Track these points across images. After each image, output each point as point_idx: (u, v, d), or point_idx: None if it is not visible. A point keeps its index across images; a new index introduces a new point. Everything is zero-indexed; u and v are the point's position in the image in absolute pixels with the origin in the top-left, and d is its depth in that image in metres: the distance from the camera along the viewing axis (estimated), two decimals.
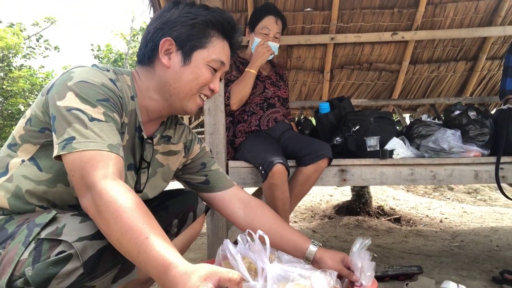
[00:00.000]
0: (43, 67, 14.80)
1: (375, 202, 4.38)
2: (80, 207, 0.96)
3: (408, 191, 6.03)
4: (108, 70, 0.96)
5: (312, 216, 3.88)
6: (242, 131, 2.22)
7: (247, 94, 2.16)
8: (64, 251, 0.78)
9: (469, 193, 6.02)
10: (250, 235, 1.01)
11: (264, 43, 2.15)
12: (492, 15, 3.19)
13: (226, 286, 0.65)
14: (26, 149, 0.94)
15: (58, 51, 16.78)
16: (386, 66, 3.51)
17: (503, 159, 2.01)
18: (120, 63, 17.70)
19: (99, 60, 18.36)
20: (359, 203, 4.01)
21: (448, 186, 6.20)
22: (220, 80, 1.11)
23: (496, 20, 3.17)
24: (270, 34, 2.19)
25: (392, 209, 4.31)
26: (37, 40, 14.71)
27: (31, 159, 0.93)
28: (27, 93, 12.42)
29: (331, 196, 5.37)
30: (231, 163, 2.09)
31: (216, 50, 1.04)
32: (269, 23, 2.18)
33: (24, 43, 13.65)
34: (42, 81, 13.26)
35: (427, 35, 3.22)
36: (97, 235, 0.80)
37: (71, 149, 0.80)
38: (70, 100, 0.85)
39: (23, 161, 0.93)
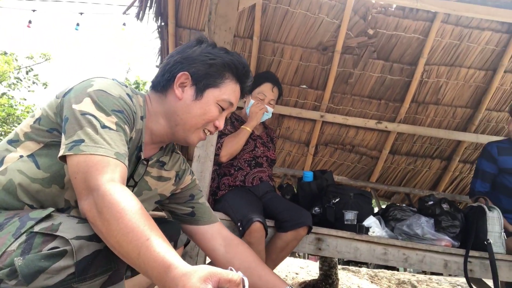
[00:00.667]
0: (25, 99, 14.70)
1: (341, 282, 4.29)
2: (67, 209, 0.96)
3: (372, 282, 5.95)
4: (126, 86, 1.02)
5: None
6: (226, 184, 2.24)
7: (238, 149, 2.23)
8: (58, 247, 0.76)
9: None
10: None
11: (258, 103, 2.28)
12: (467, 122, 3.49)
13: (226, 287, 0.65)
14: (27, 146, 0.95)
15: (45, 87, 16.84)
16: (367, 151, 3.70)
17: (472, 253, 2.09)
18: None
19: None
20: (325, 283, 3.92)
21: (412, 283, 6.16)
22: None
23: (470, 128, 3.46)
24: (265, 99, 2.33)
25: None
26: (27, 73, 14.79)
27: (31, 155, 0.93)
28: (0, 122, 12.17)
29: (297, 274, 5.24)
30: None
31: (228, 91, 1.10)
32: (266, 89, 2.33)
33: (12, 73, 13.70)
34: (20, 113, 13.07)
35: (408, 129, 3.46)
36: (94, 237, 0.79)
37: (78, 151, 0.82)
38: (86, 105, 0.88)
39: (21, 156, 0.93)
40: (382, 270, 7.01)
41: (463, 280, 5.63)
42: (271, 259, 1.96)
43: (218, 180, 2.28)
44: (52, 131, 0.94)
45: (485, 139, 3.35)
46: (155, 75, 1.14)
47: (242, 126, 2.23)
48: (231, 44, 2.24)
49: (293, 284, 4.16)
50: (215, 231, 1.24)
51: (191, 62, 1.07)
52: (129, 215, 0.74)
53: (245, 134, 2.23)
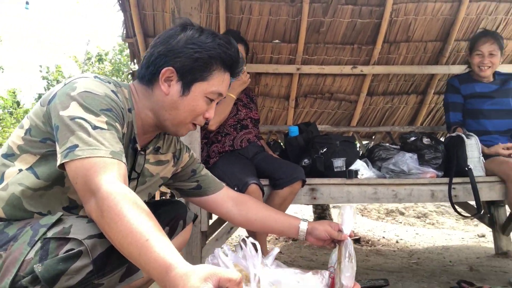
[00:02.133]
0: None
1: None
2: (74, 208, 0.98)
3: (362, 215, 6.28)
4: (109, 82, 0.98)
5: (276, 239, 3.95)
6: (216, 151, 2.29)
7: (226, 116, 2.26)
8: (73, 249, 0.79)
9: (418, 217, 6.37)
10: (243, 241, 1.06)
11: (244, 71, 2.28)
12: (438, 55, 3.56)
13: (226, 286, 0.66)
14: (25, 159, 0.94)
15: (1, 71, 15.99)
16: (345, 96, 3.76)
17: (455, 180, 2.24)
18: None
19: (48, 82, 17.64)
20: None
21: (399, 211, 6.53)
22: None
23: (441, 60, 3.55)
24: None
25: (351, 230, 4.49)
26: None
27: (29, 168, 0.93)
28: None
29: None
30: None
31: (216, 82, 1.05)
32: None
33: None
34: None
35: (383, 70, 3.52)
36: None
37: (73, 156, 0.82)
38: (74, 110, 0.87)
39: (20, 170, 0.93)
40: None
41: (443, 203, 6.03)
42: None
43: (207, 149, 2.32)
44: (45, 141, 0.93)
45: (456, 69, 3.45)
46: (140, 65, 1.09)
47: (229, 93, 2.23)
48: (198, 8, 2.19)
49: None
50: (224, 195, 1.30)
51: (176, 55, 1.01)
52: (128, 216, 0.74)
53: (231, 101, 2.25)
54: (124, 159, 0.87)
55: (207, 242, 2.22)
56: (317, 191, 2.21)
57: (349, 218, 1.21)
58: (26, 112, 14.83)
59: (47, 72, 17.77)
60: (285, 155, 2.63)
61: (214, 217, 2.93)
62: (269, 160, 2.26)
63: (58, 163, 0.84)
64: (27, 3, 6.26)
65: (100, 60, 17.69)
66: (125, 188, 0.80)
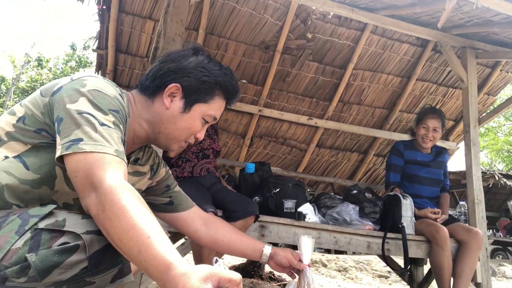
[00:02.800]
0: None
1: (267, 268, 4.59)
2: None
3: None
4: (116, 86, 1.00)
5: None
6: (174, 175, 2.29)
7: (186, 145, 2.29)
8: (69, 242, 0.77)
9: (339, 271, 6.63)
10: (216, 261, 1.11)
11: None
12: (383, 121, 3.97)
13: (226, 287, 0.65)
14: (12, 147, 0.91)
15: None
16: (297, 144, 4.00)
17: (389, 235, 2.46)
18: (3, 86, 16.09)
19: None
20: (253, 266, 4.18)
21: (322, 262, 6.77)
22: None
23: (385, 126, 3.95)
24: None
25: (279, 275, 4.58)
26: None
27: (17, 157, 0.90)
28: None
29: (222, 259, 5.44)
30: None
31: (215, 107, 1.11)
32: None
33: None
34: None
35: (334, 126, 3.83)
36: None
37: (77, 149, 0.80)
38: (82, 105, 0.86)
39: (6, 157, 0.90)
40: (295, 251, 7.57)
41: (364, 257, 6.38)
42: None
43: None
44: (40, 131, 0.91)
45: (397, 136, 3.86)
46: (144, 76, 1.13)
47: None
48: (182, 36, 2.29)
49: None
50: (194, 213, 1.31)
51: (185, 74, 1.06)
52: (131, 212, 0.73)
53: None
54: (125, 159, 0.87)
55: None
56: (267, 228, 2.31)
57: (308, 248, 1.28)
58: None
59: None
60: (238, 190, 2.70)
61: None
62: (225, 192, 2.32)
63: (58, 154, 0.82)
64: None
65: (40, 65, 16.83)
66: (128, 185, 0.80)
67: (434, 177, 2.81)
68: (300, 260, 1.25)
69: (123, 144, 1.06)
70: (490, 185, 7.59)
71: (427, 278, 3.08)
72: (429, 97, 3.87)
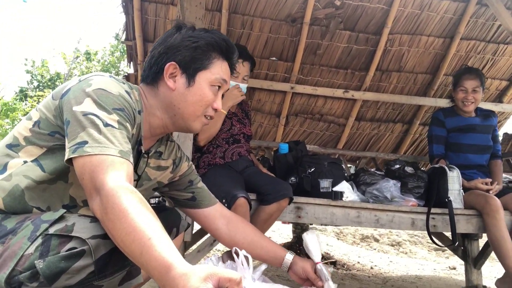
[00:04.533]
0: None
1: None
2: (73, 207, 0.98)
3: (338, 239, 6.34)
4: (123, 83, 1.00)
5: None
6: (206, 162, 2.29)
7: (215, 132, 2.25)
8: (76, 248, 0.78)
9: (392, 245, 6.47)
10: (236, 253, 1.08)
11: (237, 88, 2.27)
12: (427, 88, 3.70)
13: (226, 286, 0.66)
14: (30, 151, 0.93)
15: None
16: (334, 119, 3.85)
17: (435, 210, 2.31)
18: (57, 82, 16.98)
19: (32, 76, 17.40)
20: (299, 245, 4.16)
21: (374, 237, 6.63)
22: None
23: (429, 92, 3.68)
24: (239, 76, 2.34)
25: (327, 253, 4.53)
26: None
27: (35, 160, 0.93)
28: None
29: (269, 237, 5.49)
30: None
31: (218, 70, 1.09)
32: (244, 68, 2.31)
33: None
34: None
35: (373, 97, 3.63)
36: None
37: (82, 152, 0.82)
38: (87, 106, 0.88)
39: (25, 162, 0.93)
40: (347, 226, 7.47)
41: (418, 232, 6.15)
42: None
43: (197, 159, 2.33)
44: (53, 134, 0.93)
45: (443, 102, 3.59)
46: (142, 69, 1.13)
47: (222, 110, 2.23)
48: (202, 19, 2.23)
49: None
50: (216, 211, 1.30)
51: (175, 50, 1.06)
52: (132, 214, 0.74)
53: (221, 116, 2.23)
54: (131, 159, 0.88)
55: (189, 252, 2.22)
56: (302, 210, 2.25)
57: (314, 245, 1.23)
58: (5, 105, 14.50)
59: (32, 66, 17.52)
60: (272, 171, 2.65)
61: (196, 227, 2.93)
62: (258, 175, 2.28)
63: (66, 157, 0.84)
64: None
65: (88, 59, 17.57)
66: (130, 187, 0.80)
67: (482, 143, 2.59)
68: (311, 258, 1.22)
69: (139, 139, 1.06)
70: None
71: (483, 253, 2.91)
72: (477, 57, 3.54)
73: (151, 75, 1.08)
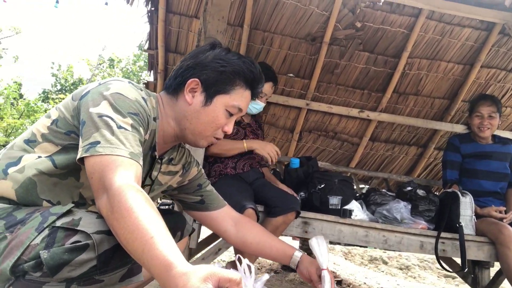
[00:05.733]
0: None
1: None
2: (83, 205, 1.00)
3: (346, 259, 6.24)
4: (141, 90, 1.04)
5: (258, 269, 3.93)
6: (217, 171, 2.33)
7: (227, 155, 2.28)
8: (80, 241, 0.80)
9: (401, 269, 6.32)
10: (239, 260, 1.09)
11: (277, 150, 2.26)
12: (444, 113, 3.68)
13: (226, 287, 0.66)
14: (45, 148, 0.97)
15: (16, 61, 16.32)
16: (348, 138, 3.85)
17: (445, 235, 2.28)
18: (80, 87, 17.49)
19: (56, 79, 17.94)
20: None
21: (382, 259, 6.50)
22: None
23: (446, 117, 3.66)
24: (264, 97, 2.40)
25: (333, 272, 4.46)
26: None
27: (48, 156, 0.96)
28: None
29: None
30: None
31: (238, 97, 1.11)
32: (267, 88, 2.38)
33: None
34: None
35: (388, 118, 3.62)
36: None
37: (94, 152, 0.85)
38: (104, 108, 0.91)
39: (39, 157, 0.96)
40: (355, 247, 7.36)
41: (429, 256, 6.00)
42: None
43: (209, 167, 2.37)
44: (69, 133, 0.96)
45: (459, 128, 3.56)
46: (168, 77, 1.16)
47: (244, 140, 2.28)
48: (224, 33, 2.30)
49: (274, 262, 4.34)
50: (225, 213, 1.33)
51: (203, 68, 1.09)
52: (136, 213, 0.75)
53: (240, 148, 2.26)
54: (141, 162, 0.90)
55: (194, 259, 2.23)
56: (310, 225, 2.25)
57: (322, 250, 1.23)
58: (26, 105, 14.94)
59: (58, 70, 18.09)
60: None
61: (202, 235, 2.95)
62: (267, 187, 2.30)
63: (78, 156, 0.87)
64: (57, 1, 6.48)
65: (111, 66, 18.04)
66: (137, 186, 0.82)
67: (498, 170, 2.56)
68: (319, 265, 1.22)
69: (153, 145, 1.10)
70: None
71: (494, 282, 2.84)
72: (497, 85, 3.51)
73: (174, 85, 1.12)
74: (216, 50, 1.12)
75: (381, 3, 3.00)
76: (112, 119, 0.89)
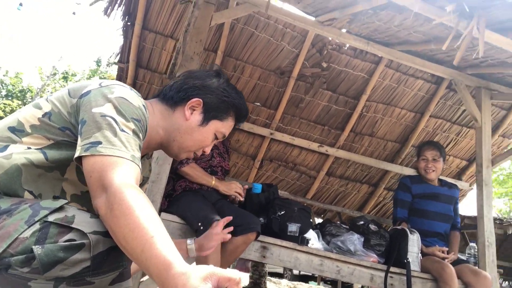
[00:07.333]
0: None
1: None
2: (63, 199, 0.99)
3: None
4: (140, 96, 1.05)
5: None
6: (182, 186, 2.32)
7: (194, 180, 2.33)
8: (75, 240, 0.77)
9: None
10: None
11: (245, 186, 2.47)
12: (395, 155, 3.95)
13: (226, 286, 0.66)
14: (35, 140, 0.94)
15: None
16: (306, 170, 3.99)
17: (393, 269, 2.40)
18: (28, 95, 16.64)
19: (2, 85, 16.98)
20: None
21: None
22: None
23: (397, 160, 3.92)
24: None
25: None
26: None
27: (40, 149, 0.94)
28: None
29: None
30: (163, 215, 2.15)
31: (227, 126, 1.24)
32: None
33: None
34: None
35: (345, 155, 3.82)
36: (109, 233, 0.82)
37: (95, 151, 0.84)
38: (107, 109, 0.91)
39: (29, 147, 0.93)
40: (301, 282, 7.39)
41: None
42: (221, 263, 2.07)
43: (173, 183, 2.35)
44: (64, 129, 0.95)
45: (408, 171, 3.82)
46: (168, 87, 1.21)
47: (214, 178, 2.36)
48: (200, 55, 2.36)
49: None
50: None
51: (208, 92, 1.19)
52: (137, 212, 0.75)
53: (208, 182, 2.33)
54: (140, 166, 0.90)
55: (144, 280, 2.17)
56: (268, 250, 2.28)
57: None
58: None
59: (4, 75, 17.17)
60: (243, 209, 2.70)
61: None
62: (229, 207, 2.33)
63: (77, 155, 0.85)
64: (20, 4, 6.28)
65: (65, 78, 17.45)
66: (137, 187, 0.83)
67: (444, 212, 2.76)
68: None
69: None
70: (509, 233, 7.31)
71: None
72: (442, 135, 3.85)
73: (175, 98, 1.17)
74: (220, 80, 1.24)
75: (346, 47, 3.24)
76: (115, 121, 0.90)
